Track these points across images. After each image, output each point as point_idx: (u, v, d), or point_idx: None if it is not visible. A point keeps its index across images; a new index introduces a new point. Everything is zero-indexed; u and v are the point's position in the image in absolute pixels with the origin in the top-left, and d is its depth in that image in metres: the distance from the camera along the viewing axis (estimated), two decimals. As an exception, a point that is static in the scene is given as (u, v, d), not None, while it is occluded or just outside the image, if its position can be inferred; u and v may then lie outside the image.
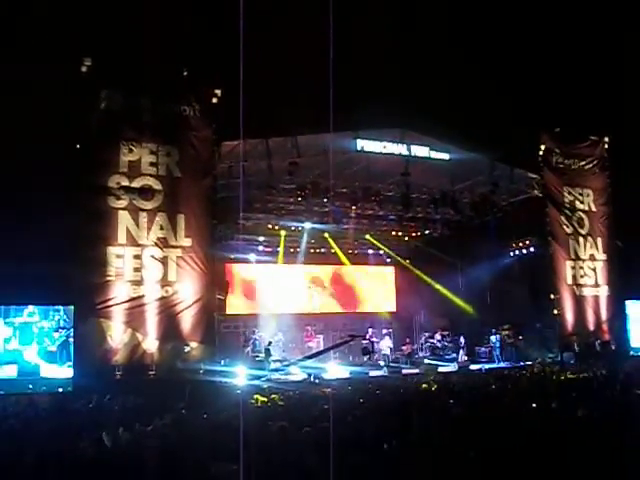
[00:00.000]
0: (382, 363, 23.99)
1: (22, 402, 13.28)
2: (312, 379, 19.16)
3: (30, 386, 17.73)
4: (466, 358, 24.93)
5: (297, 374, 20.32)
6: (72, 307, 17.63)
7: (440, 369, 22.58)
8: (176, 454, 6.78)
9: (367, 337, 25.19)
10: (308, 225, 25.53)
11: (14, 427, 9.11)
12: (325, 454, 5.78)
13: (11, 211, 18.68)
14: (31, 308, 19.94)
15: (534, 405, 8.76)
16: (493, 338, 25.28)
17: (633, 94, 23.95)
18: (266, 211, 22.78)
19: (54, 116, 18.23)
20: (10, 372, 19.08)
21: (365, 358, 24.52)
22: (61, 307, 20.00)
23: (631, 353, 23.97)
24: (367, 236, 27.99)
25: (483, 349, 25.77)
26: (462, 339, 25.64)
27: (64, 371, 18.63)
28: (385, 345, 25.16)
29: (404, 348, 25.96)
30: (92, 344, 16.48)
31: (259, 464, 5.91)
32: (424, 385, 13.96)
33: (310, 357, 21.58)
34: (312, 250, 28.07)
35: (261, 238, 26.33)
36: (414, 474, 6.06)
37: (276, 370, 21.17)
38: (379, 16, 23.64)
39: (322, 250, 28.50)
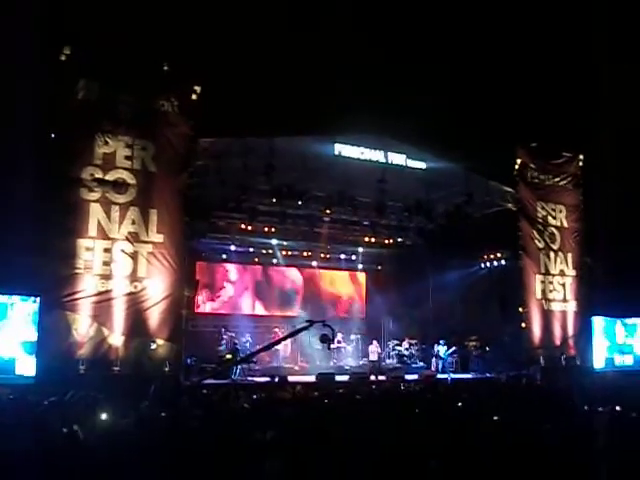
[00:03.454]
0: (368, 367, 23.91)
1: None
2: (276, 381, 19.08)
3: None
4: (434, 367, 24.98)
5: (261, 376, 20.23)
6: (38, 298, 17.33)
7: (407, 377, 22.61)
8: (138, 452, 6.67)
9: (325, 322, 24.41)
10: (275, 242, 26.20)
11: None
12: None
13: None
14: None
15: (495, 418, 8.75)
16: (441, 349, 25.17)
17: (607, 113, 24.29)
18: (240, 211, 22.63)
19: (29, 103, 18.03)
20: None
21: (324, 345, 24.19)
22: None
23: (595, 369, 24.23)
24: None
25: (450, 359, 25.78)
26: (435, 347, 25.61)
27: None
28: (373, 350, 25.07)
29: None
30: (57, 337, 16.27)
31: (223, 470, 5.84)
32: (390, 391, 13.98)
33: (270, 346, 21.41)
34: (284, 252, 27.99)
35: (234, 237, 26.11)
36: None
37: (241, 371, 21.12)
38: (361, 23, 23.74)
39: (294, 253, 28.43)
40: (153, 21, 20.61)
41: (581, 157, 25.00)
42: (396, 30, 24.80)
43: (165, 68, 17.98)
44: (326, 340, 20.18)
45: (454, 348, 25.25)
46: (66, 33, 17.50)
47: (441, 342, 25.11)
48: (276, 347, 25.31)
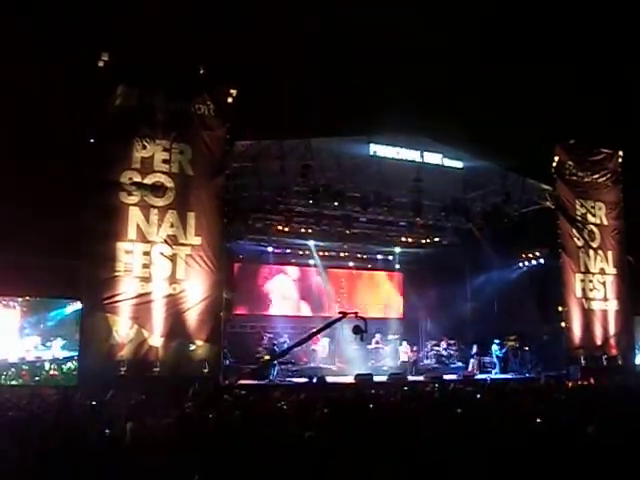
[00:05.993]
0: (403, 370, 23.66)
1: (25, 394, 13.27)
2: (315, 382, 19.10)
3: (36, 377, 17.54)
4: (474, 368, 24.75)
5: (301, 377, 20.28)
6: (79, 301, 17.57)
7: (445, 377, 22.47)
8: (178, 451, 6.76)
9: (357, 313, 23.61)
10: (312, 243, 26.31)
11: (17, 419, 9.09)
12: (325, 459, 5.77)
13: (23, 204, 18.73)
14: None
15: (539, 420, 8.66)
16: (495, 348, 24.90)
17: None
18: (277, 212, 22.71)
19: (69, 111, 18.33)
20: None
21: (362, 345, 23.83)
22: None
23: (638, 368, 23.87)
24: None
25: (488, 359, 25.53)
26: (475, 348, 25.37)
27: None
28: (403, 351, 24.92)
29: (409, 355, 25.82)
30: (98, 339, 16.52)
31: (261, 466, 5.89)
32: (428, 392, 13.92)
33: (303, 341, 21.39)
34: (321, 253, 27.97)
35: (271, 239, 26.18)
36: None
37: (279, 371, 21.19)
38: (396, 19, 23.66)
39: (331, 254, 28.42)
40: (188, 25, 20.81)
41: (620, 153, 24.60)
42: (431, 29, 24.70)
43: (201, 71, 18.15)
44: (358, 331, 20.14)
45: (505, 348, 24.94)
46: (103, 39, 17.76)
47: (496, 341, 24.82)
48: (314, 348, 25.29)
